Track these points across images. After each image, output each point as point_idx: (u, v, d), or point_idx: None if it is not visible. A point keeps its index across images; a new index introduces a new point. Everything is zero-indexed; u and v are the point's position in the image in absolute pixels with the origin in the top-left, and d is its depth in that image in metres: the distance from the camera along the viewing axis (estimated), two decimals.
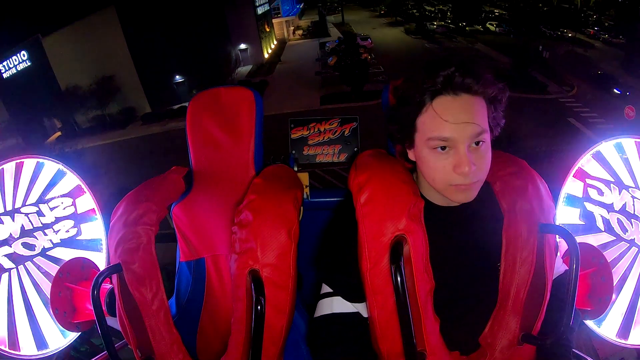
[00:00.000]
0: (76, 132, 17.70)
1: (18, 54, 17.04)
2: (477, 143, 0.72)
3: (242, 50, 23.87)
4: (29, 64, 17.41)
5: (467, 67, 0.70)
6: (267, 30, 26.95)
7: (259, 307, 0.77)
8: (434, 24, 29.19)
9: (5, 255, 1.04)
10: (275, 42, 28.73)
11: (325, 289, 0.84)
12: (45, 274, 1.06)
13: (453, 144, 0.71)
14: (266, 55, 25.23)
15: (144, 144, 15.52)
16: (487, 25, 28.07)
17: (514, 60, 17.99)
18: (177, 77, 20.02)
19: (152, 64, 18.90)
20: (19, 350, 1.02)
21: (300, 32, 31.75)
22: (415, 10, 33.60)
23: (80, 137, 16.25)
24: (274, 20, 29.20)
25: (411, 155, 0.80)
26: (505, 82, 0.75)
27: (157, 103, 19.13)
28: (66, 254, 1.08)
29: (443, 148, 0.72)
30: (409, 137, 0.77)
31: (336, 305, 0.82)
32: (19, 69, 17.06)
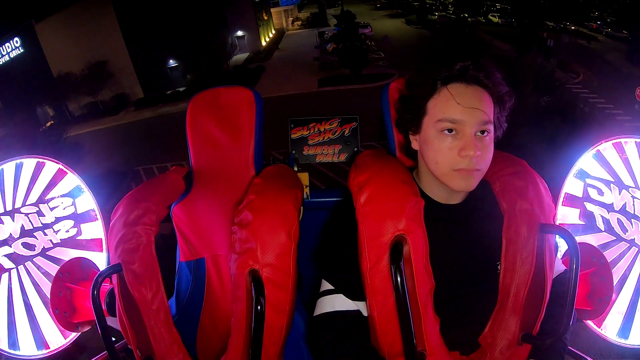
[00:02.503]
0: (68, 120, 17.30)
1: (11, 41, 16.57)
2: (483, 132, 0.75)
3: (239, 38, 23.55)
4: (21, 50, 16.89)
5: (481, 63, 0.75)
6: (265, 18, 26.68)
7: (259, 307, 0.77)
8: (436, 15, 29.17)
9: (5, 255, 1.04)
10: (273, 31, 28.49)
11: (326, 286, 0.84)
12: (45, 274, 1.06)
13: (461, 128, 0.74)
14: (264, 43, 24.87)
15: (134, 129, 15.34)
16: (490, 17, 27.92)
17: (517, 47, 17.68)
18: (171, 61, 19.57)
19: (146, 49, 18.47)
20: (19, 350, 1.02)
21: (299, 22, 31.62)
22: (416, 2, 33.46)
23: (72, 125, 15.82)
24: (272, 10, 28.97)
25: (415, 143, 0.82)
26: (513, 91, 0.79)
27: (150, 89, 18.74)
28: (66, 254, 1.08)
29: (450, 131, 0.75)
30: (416, 121, 0.79)
31: (338, 302, 0.82)
32: (11, 56, 16.53)
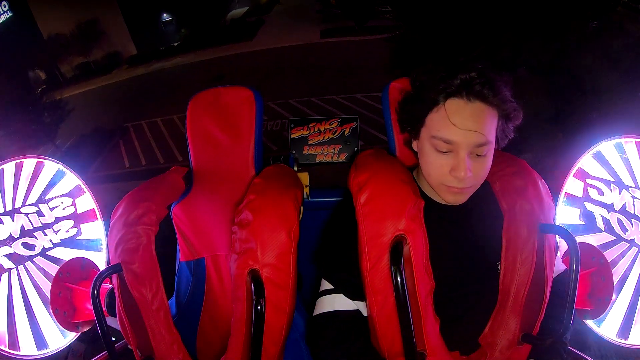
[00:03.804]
0: (60, 82, 16.41)
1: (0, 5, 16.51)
2: (478, 153, 0.73)
3: None
4: (10, 14, 16.40)
5: (488, 77, 0.70)
6: None
7: (259, 307, 0.77)
8: None
9: (5, 255, 1.04)
10: None
11: (325, 285, 0.84)
12: (45, 274, 1.06)
13: (455, 148, 0.72)
14: None
15: (126, 86, 14.77)
16: None
17: None
18: (165, 15, 18.61)
19: (138, 2, 17.65)
20: (19, 350, 1.02)
21: None
22: None
23: (64, 87, 15.11)
24: None
25: (414, 145, 0.82)
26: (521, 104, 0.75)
27: (144, 45, 17.96)
28: (66, 254, 1.08)
29: (444, 149, 0.73)
30: (415, 129, 0.79)
31: (338, 302, 0.82)
32: (0, 21, 16.40)
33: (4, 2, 16.34)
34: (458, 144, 0.71)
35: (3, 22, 16.33)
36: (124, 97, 13.57)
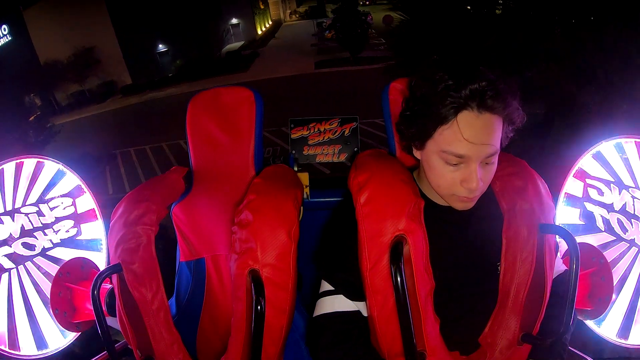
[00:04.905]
0: (55, 110, 16.83)
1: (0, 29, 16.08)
2: (487, 162, 0.72)
3: (233, 26, 23.09)
4: (9, 38, 16.33)
5: (498, 89, 0.68)
6: (262, 7, 26.21)
7: (259, 307, 0.77)
8: None
9: (5, 255, 1.03)
10: (270, 22, 28.00)
11: (325, 286, 0.84)
12: (45, 274, 1.06)
13: (466, 160, 0.71)
14: (260, 32, 24.36)
15: (118, 115, 15.08)
16: None
17: None
18: (161, 46, 18.94)
19: (135, 34, 17.90)
20: (19, 350, 1.02)
21: (296, 15, 31.23)
22: None
23: (58, 115, 15.53)
24: (269, 0, 28.56)
25: (417, 154, 0.80)
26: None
27: (139, 75, 18.26)
28: (66, 254, 1.08)
29: (455, 162, 0.71)
30: (420, 141, 0.76)
31: (338, 303, 0.82)
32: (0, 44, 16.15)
33: (3, 26, 16.17)
34: (470, 157, 0.70)
35: (2, 46, 16.19)
36: (115, 125, 13.66)
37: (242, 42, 22.49)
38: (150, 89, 17.12)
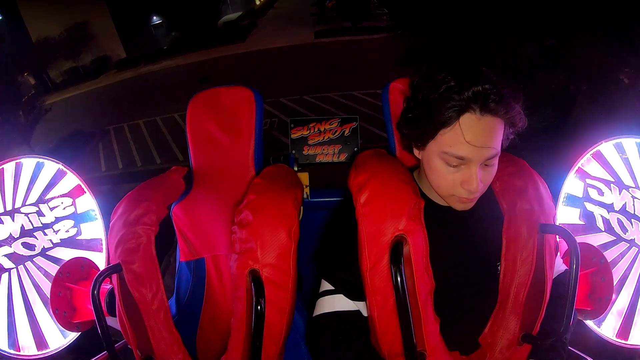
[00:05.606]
0: (49, 88, 16.27)
1: None
2: (487, 163, 0.72)
3: None
4: (0, 17, 15.89)
5: (501, 93, 0.68)
6: None
7: (259, 307, 0.77)
8: None
9: (5, 255, 1.04)
10: None
11: (325, 286, 0.84)
12: (45, 274, 1.06)
13: (466, 162, 0.71)
14: (258, 2, 23.38)
15: (112, 91, 14.68)
16: None
17: None
18: (155, 18, 18.26)
19: (128, 5, 17.27)
20: (19, 350, 1.02)
21: None
22: None
23: (52, 93, 15.16)
24: None
25: (417, 153, 0.80)
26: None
27: (133, 49, 17.62)
28: (66, 254, 1.08)
29: (455, 164, 0.72)
30: (421, 142, 0.76)
31: (338, 303, 0.82)
32: None
33: None
34: (472, 159, 0.70)
35: None
36: (109, 101, 13.42)
37: (240, 13, 21.98)
38: (145, 63, 16.53)
